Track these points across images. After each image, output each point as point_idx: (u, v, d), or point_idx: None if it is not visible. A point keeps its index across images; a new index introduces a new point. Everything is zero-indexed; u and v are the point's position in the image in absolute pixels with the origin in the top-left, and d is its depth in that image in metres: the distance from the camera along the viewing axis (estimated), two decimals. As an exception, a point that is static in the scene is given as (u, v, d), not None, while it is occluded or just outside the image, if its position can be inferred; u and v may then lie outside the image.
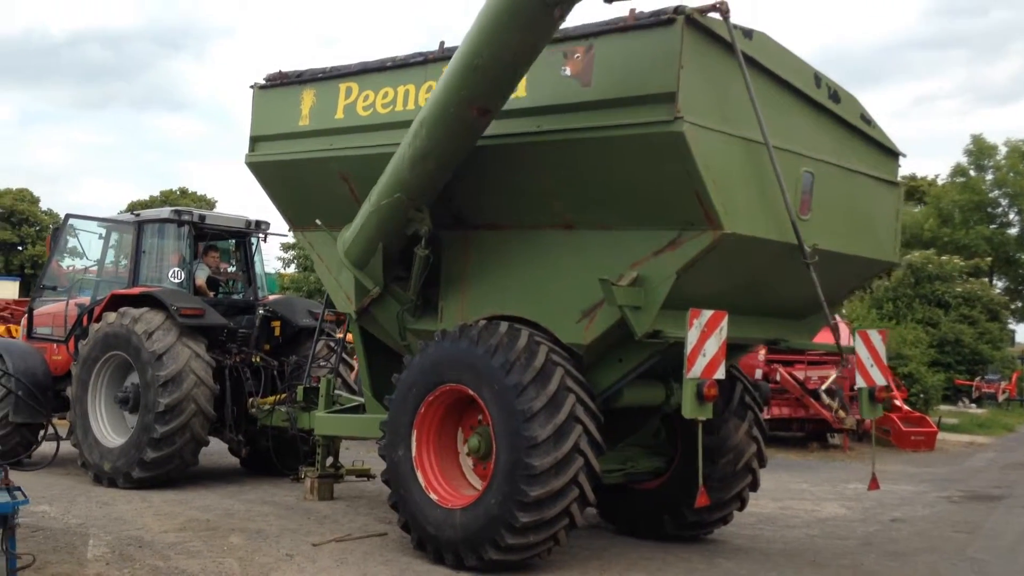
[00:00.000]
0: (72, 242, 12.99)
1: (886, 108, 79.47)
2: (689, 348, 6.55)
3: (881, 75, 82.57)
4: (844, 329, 18.60)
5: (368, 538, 8.24)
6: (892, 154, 8.28)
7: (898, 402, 19.55)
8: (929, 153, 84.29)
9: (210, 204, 58.68)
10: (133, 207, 49.15)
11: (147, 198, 58.22)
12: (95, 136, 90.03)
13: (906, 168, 77.65)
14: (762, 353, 17.89)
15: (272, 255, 62.74)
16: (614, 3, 6.20)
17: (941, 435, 19.97)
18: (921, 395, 21.96)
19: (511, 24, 6.30)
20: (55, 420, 12.14)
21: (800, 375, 17.95)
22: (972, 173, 42.59)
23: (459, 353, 7.39)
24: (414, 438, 7.67)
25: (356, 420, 9.43)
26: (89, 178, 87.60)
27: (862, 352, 7.90)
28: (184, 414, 10.20)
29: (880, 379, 7.98)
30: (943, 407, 25.75)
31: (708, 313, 6.63)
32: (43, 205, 61.04)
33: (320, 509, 9.61)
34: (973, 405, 30.76)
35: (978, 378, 31.56)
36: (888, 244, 8.32)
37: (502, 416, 7.06)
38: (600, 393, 7.57)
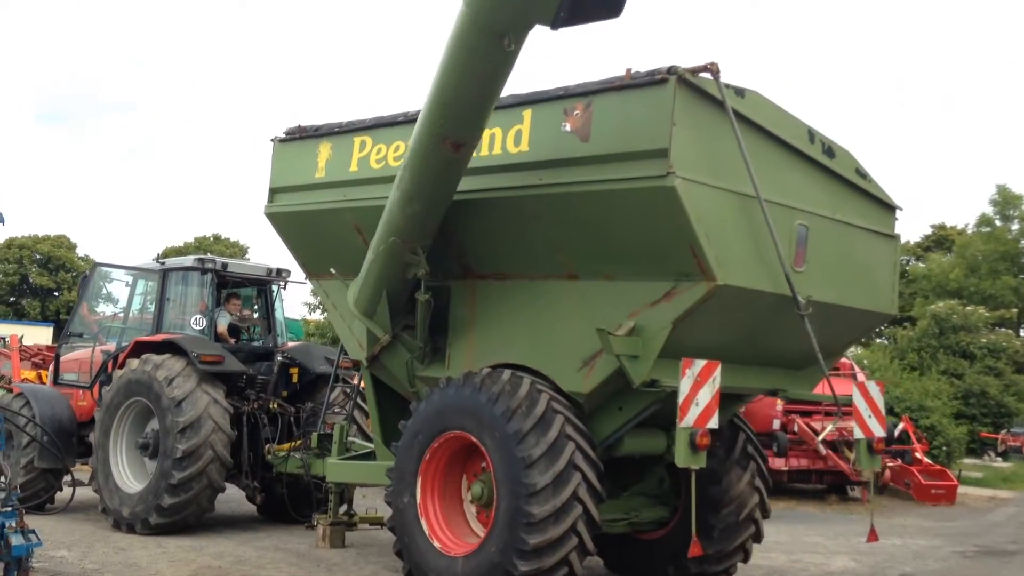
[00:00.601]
0: (100, 289, 13.39)
1: (915, 155, 79.26)
2: (682, 397, 6.71)
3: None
4: (862, 378, 18.65)
5: (374, 584, 8.38)
6: (889, 207, 8.45)
7: (919, 455, 19.41)
8: (962, 200, 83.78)
9: (242, 250, 59.66)
10: (168, 253, 50.11)
11: (181, 244, 59.28)
12: (136, 180, 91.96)
13: (936, 216, 77.16)
14: (779, 404, 17.90)
15: (298, 301, 63.37)
16: (560, 29, 6.26)
17: (963, 489, 19.76)
18: (944, 448, 21.76)
19: (468, 59, 6.60)
20: (79, 465, 12.48)
21: (818, 426, 17.91)
22: (998, 223, 42.40)
23: (462, 400, 7.58)
24: (419, 485, 7.84)
25: (366, 467, 9.61)
26: (128, 223, 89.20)
27: (860, 403, 7.99)
28: (201, 460, 10.42)
29: (879, 431, 8.05)
30: (967, 460, 25.46)
31: (701, 363, 6.79)
32: (80, 251, 62.26)
33: (331, 557, 9.76)
34: (999, 459, 30.35)
35: (1004, 431, 31.16)
36: (885, 296, 8.45)
37: (503, 463, 7.22)
38: (601, 442, 7.71)
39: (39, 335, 35.47)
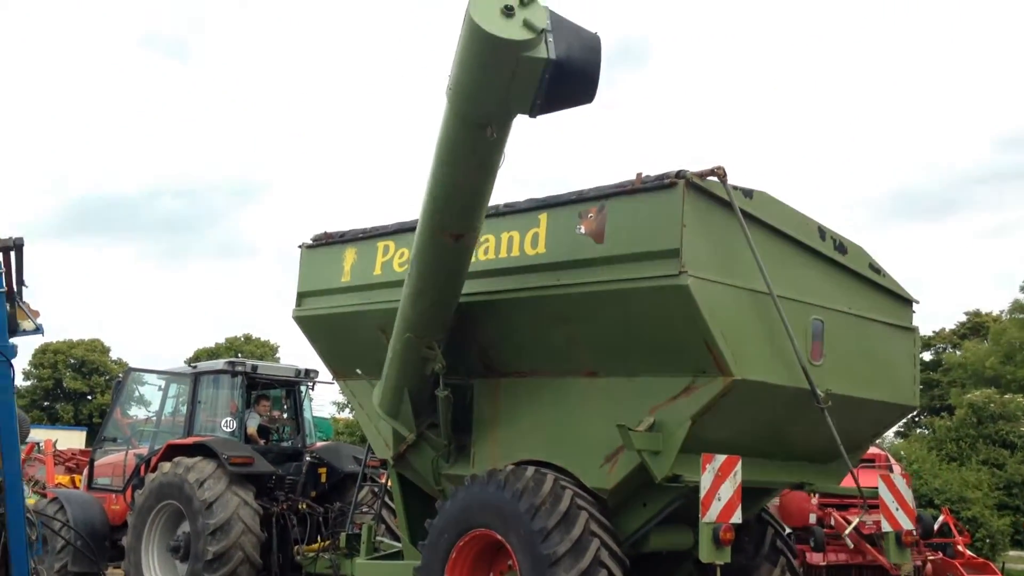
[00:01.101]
0: (133, 393, 13.68)
1: (958, 240, 79.26)
2: (703, 492, 6.77)
3: (952, 207, 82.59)
4: (896, 467, 18.39)
5: None
6: (905, 300, 8.58)
7: (961, 547, 18.95)
8: (996, 287, 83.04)
9: (272, 349, 60.23)
10: (199, 354, 50.73)
11: (212, 345, 60.02)
12: (167, 285, 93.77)
13: (971, 303, 76.40)
14: (815, 498, 17.68)
15: (327, 400, 63.59)
16: (538, 116, 6.45)
17: (1008, 581, 19.19)
18: (987, 540, 21.21)
19: (456, 151, 6.86)
20: (111, 568, 12.58)
21: (854, 519, 17.60)
22: (1032, 309, 42.01)
23: (487, 498, 7.67)
24: (446, 583, 7.87)
25: (394, 566, 9.62)
26: (159, 326, 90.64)
27: (886, 496, 7.98)
28: (232, 562, 10.50)
29: (906, 523, 8.02)
30: (1011, 552, 24.74)
31: (721, 458, 6.87)
32: (113, 355, 63.15)
33: (359, 657, 9.71)
34: (1046, 550, 29.39)
35: (1049, 522, 30.24)
36: (906, 388, 8.52)
37: (528, 561, 7.27)
38: (627, 538, 7.73)
39: (72, 439, 35.78)
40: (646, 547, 7.92)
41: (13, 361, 5.63)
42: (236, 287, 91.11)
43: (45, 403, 60.26)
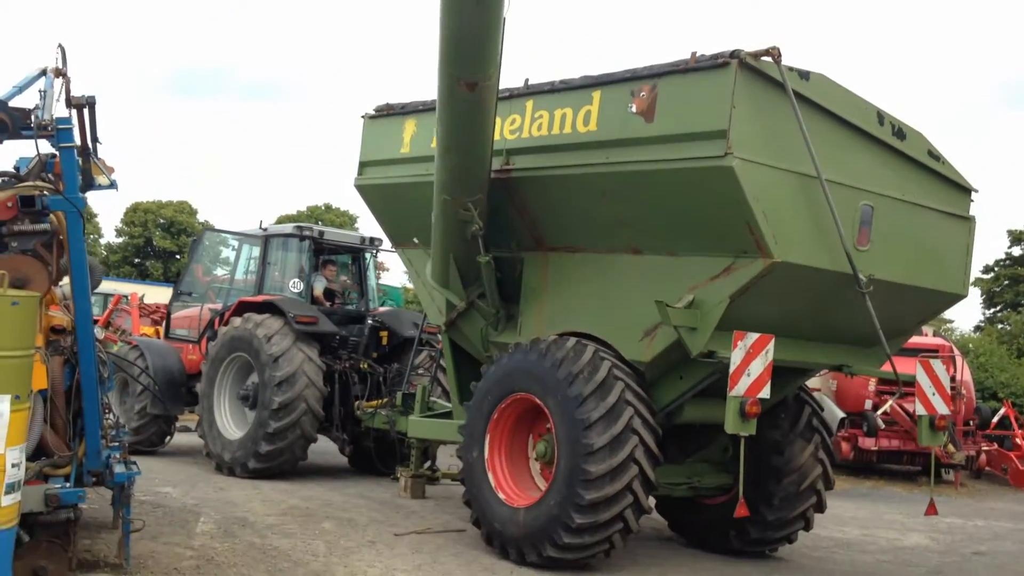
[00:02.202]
0: (210, 252, 14.32)
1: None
2: (733, 367, 6.99)
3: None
4: (959, 358, 18.30)
5: (446, 532, 8.95)
6: (964, 189, 8.45)
7: (1019, 440, 18.93)
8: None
9: (352, 219, 61.30)
10: (281, 220, 51.98)
11: (295, 212, 61.35)
12: (257, 151, 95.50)
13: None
14: (872, 383, 17.77)
15: (399, 270, 64.90)
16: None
17: (1066, 476, 19.15)
18: (1049, 435, 21.04)
19: None
20: (187, 413, 13.49)
21: (910, 407, 17.69)
22: None
23: (529, 365, 8.02)
24: (487, 442, 8.33)
25: (443, 424, 10.16)
26: (246, 191, 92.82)
27: (923, 381, 8.10)
28: (295, 412, 11.19)
29: (942, 408, 8.14)
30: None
31: (754, 336, 7.04)
32: (200, 217, 65.08)
33: (410, 505, 10.40)
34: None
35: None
36: (956, 277, 8.47)
37: (564, 424, 7.65)
38: (661, 408, 8.05)
39: (160, 295, 37.36)
40: (680, 418, 8.23)
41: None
42: (321, 156, 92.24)
43: (136, 260, 62.73)
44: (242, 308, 12.03)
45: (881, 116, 7.78)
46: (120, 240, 63.11)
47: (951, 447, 17.02)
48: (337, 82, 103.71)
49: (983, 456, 18.24)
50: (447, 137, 7.98)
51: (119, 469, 6.26)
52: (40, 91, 6.12)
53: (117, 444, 6.66)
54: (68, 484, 5.82)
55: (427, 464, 11.38)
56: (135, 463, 6.60)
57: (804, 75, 7.21)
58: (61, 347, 6.26)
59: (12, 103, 6.04)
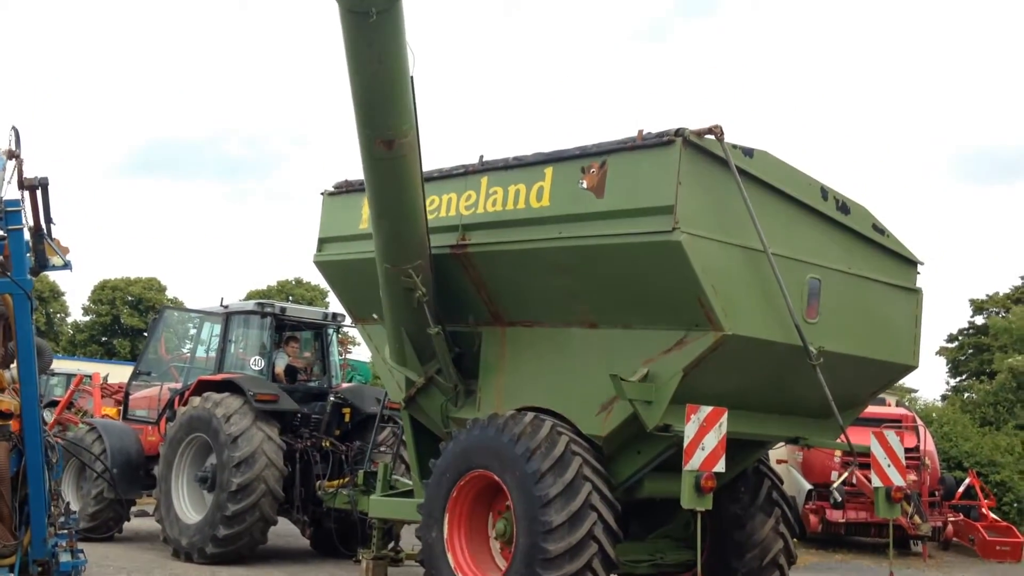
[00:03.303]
0: (169, 331, 14.23)
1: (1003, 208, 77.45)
2: (687, 441, 7.02)
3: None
4: (922, 428, 18.38)
5: (405, 615, 8.78)
6: (910, 262, 8.64)
7: (985, 510, 18.97)
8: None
9: (322, 292, 61.15)
10: (251, 296, 51.84)
11: (265, 287, 61.16)
12: (227, 228, 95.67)
13: None
14: (838, 455, 17.79)
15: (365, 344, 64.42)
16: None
17: (1032, 547, 19.16)
18: (1015, 504, 21.17)
19: (354, 49, 7.04)
20: (146, 496, 13.23)
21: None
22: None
23: (486, 440, 8.00)
24: (446, 521, 8.24)
25: (404, 503, 10.02)
26: (220, 267, 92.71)
27: (878, 452, 8.17)
28: (255, 494, 11.01)
29: (898, 479, 8.19)
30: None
31: (707, 409, 7.09)
32: (169, 293, 64.68)
33: (371, 589, 10.19)
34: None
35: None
36: (906, 348, 8.61)
37: (522, 501, 7.60)
38: (620, 483, 8.03)
39: (127, 374, 36.92)
40: (640, 493, 8.20)
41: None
42: (291, 231, 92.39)
43: (103, 338, 62.06)
44: (201, 387, 11.92)
45: (825, 191, 7.98)
46: (87, 318, 62.48)
47: (917, 518, 17.00)
48: (307, 155, 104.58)
49: (950, 527, 18.23)
50: (376, 202, 8.13)
51: (65, 558, 6.15)
52: (-10, 173, 6.15)
53: (65, 532, 6.52)
54: (12, 575, 5.68)
55: (391, 545, 11.18)
56: (82, 551, 6.47)
57: (748, 152, 7.41)
58: (8, 432, 6.18)
59: (-38, 186, 6.05)
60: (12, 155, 6.37)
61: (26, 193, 6.44)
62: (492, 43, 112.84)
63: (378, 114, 7.50)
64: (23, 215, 6.09)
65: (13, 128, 6.44)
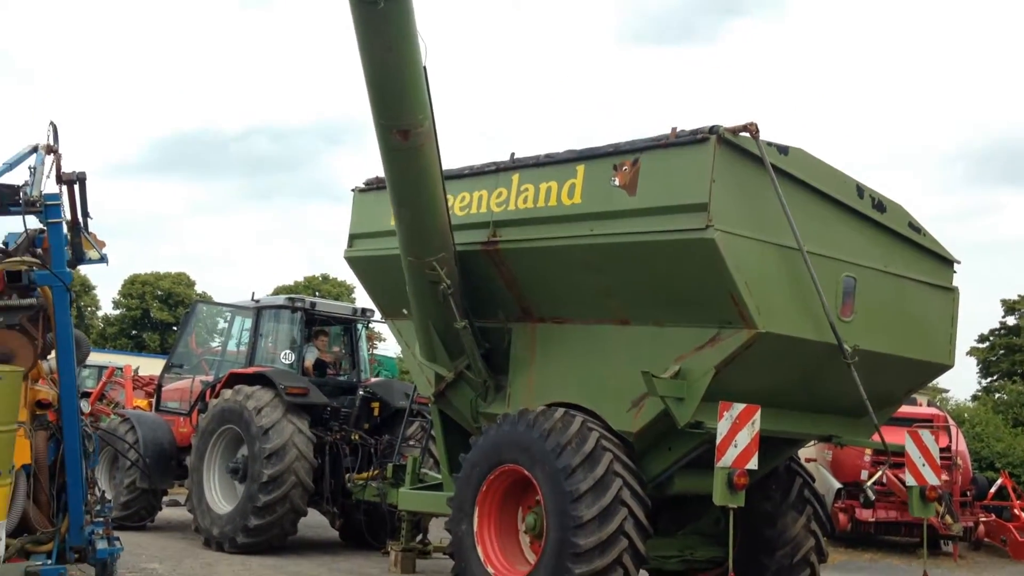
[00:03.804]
0: (202, 325, 14.37)
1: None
2: (720, 438, 6.99)
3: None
4: (954, 428, 18.19)
5: (435, 608, 8.82)
6: (946, 261, 8.56)
7: (1017, 511, 18.75)
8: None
9: (348, 289, 61.49)
10: (279, 291, 52.22)
11: (292, 283, 61.54)
12: (257, 224, 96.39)
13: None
14: (868, 453, 17.64)
15: (393, 340, 64.67)
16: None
17: (1064, 548, 18.91)
18: (1048, 505, 20.84)
19: (365, 38, 7.06)
20: (177, 486, 13.38)
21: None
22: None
23: (517, 436, 8.01)
24: (476, 514, 8.27)
25: (433, 497, 10.07)
26: (247, 263, 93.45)
27: (912, 451, 8.10)
28: (285, 485, 11.10)
29: (932, 479, 8.12)
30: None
31: (740, 406, 7.06)
32: (198, 288, 65.29)
33: (400, 581, 10.25)
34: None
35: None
36: (941, 347, 8.53)
37: (552, 496, 7.61)
38: (651, 480, 8.02)
39: (156, 367, 37.27)
40: (671, 489, 8.19)
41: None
42: (320, 227, 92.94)
43: (133, 332, 62.73)
44: (233, 380, 12.02)
45: (861, 189, 7.92)
46: (117, 312, 63.16)
47: (948, 518, 16.85)
48: (333, 151, 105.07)
49: (981, 527, 18.04)
50: (397, 194, 8.15)
51: (102, 545, 6.23)
52: (30, 168, 6.24)
53: (101, 519, 6.62)
54: (50, 561, 5.78)
55: (418, 537, 11.23)
56: (118, 539, 6.55)
57: (783, 150, 7.36)
58: (47, 421, 6.27)
59: (2, 179, 6.14)
60: (51, 150, 6.47)
61: (64, 187, 6.53)
62: (498, 38, 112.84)
63: (392, 104, 7.52)
64: (62, 209, 6.16)
65: (51, 123, 6.54)
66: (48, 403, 6.23)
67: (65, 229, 6.21)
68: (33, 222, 6.27)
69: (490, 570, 8.07)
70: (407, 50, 7.21)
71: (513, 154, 8.59)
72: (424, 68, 7.41)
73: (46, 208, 6.02)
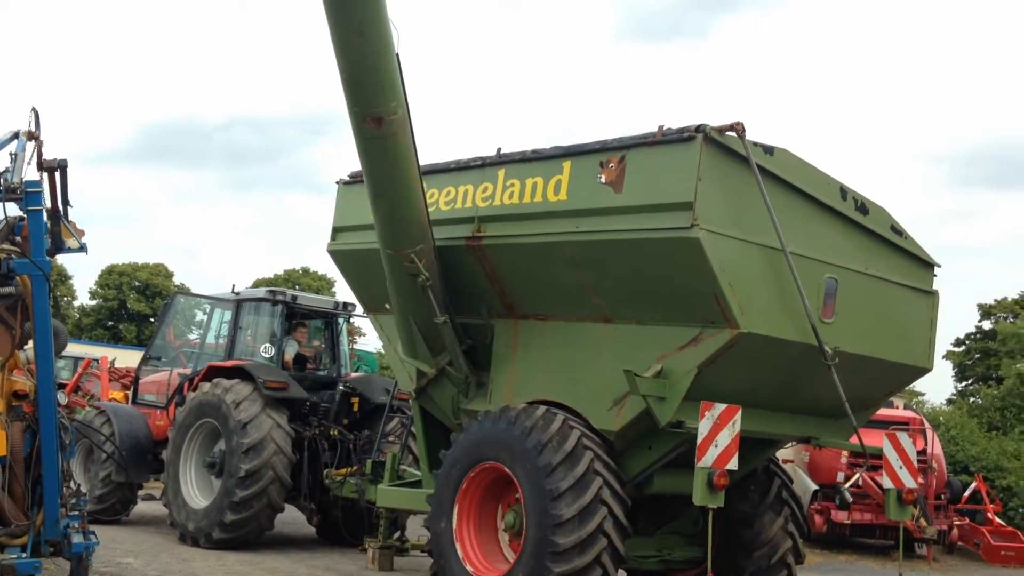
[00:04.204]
0: (180, 316, 14.25)
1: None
2: (700, 438, 7.00)
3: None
4: (930, 431, 18.32)
5: (412, 605, 8.79)
6: (927, 264, 8.61)
7: (990, 515, 18.93)
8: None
9: (329, 283, 61.20)
10: (258, 284, 51.92)
11: (271, 275, 61.21)
12: (237, 215, 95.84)
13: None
14: (844, 455, 17.75)
15: (374, 335, 64.48)
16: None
17: (1036, 552, 19.11)
18: (1021, 509, 21.09)
19: (335, 22, 7.11)
20: (153, 480, 13.25)
21: (882, 480, 17.63)
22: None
23: (498, 433, 7.99)
24: (456, 512, 8.24)
25: (411, 494, 10.03)
26: (226, 254, 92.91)
27: (890, 454, 8.14)
28: (262, 480, 11.02)
29: (910, 481, 8.17)
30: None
31: (721, 406, 7.07)
32: (176, 279, 64.73)
33: (377, 578, 10.21)
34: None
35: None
36: (921, 350, 8.59)
37: (532, 494, 7.59)
38: (631, 479, 8.01)
39: (132, 358, 36.95)
40: (650, 489, 8.19)
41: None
42: (300, 219, 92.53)
43: (109, 323, 62.16)
44: (212, 373, 11.92)
45: (844, 191, 7.95)
46: (94, 303, 62.58)
47: (923, 521, 16.96)
48: (316, 144, 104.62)
49: (955, 531, 18.20)
50: (373, 182, 8.16)
51: (77, 539, 6.15)
52: (11, 154, 6.15)
53: (77, 513, 6.53)
54: (24, 554, 5.71)
55: (396, 535, 11.19)
56: (94, 532, 6.48)
57: (768, 150, 7.37)
58: (23, 412, 6.19)
59: (-18, 166, 6.05)
60: (32, 136, 6.38)
61: (45, 175, 6.44)
62: (491, 33, 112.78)
63: (365, 90, 7.52)
64: (43, 197, 6.08)
65: (33, 109, 6.45)
66: (24, 394, 6.15)
67: (45, 217, 6.13)
68: (13, 209, 6.19)
69: (469, 568, 8.04)
70: (378, 35, 7.24)
71: (499, 149, 8.57)
72: (397, 55, 7.44)
73: (27, 195, 5.95)
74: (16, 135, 6.37)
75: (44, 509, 6.02)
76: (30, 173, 6.26)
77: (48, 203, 6.47)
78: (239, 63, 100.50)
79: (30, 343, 6.25)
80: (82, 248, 7.09)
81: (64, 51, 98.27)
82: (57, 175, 6.59)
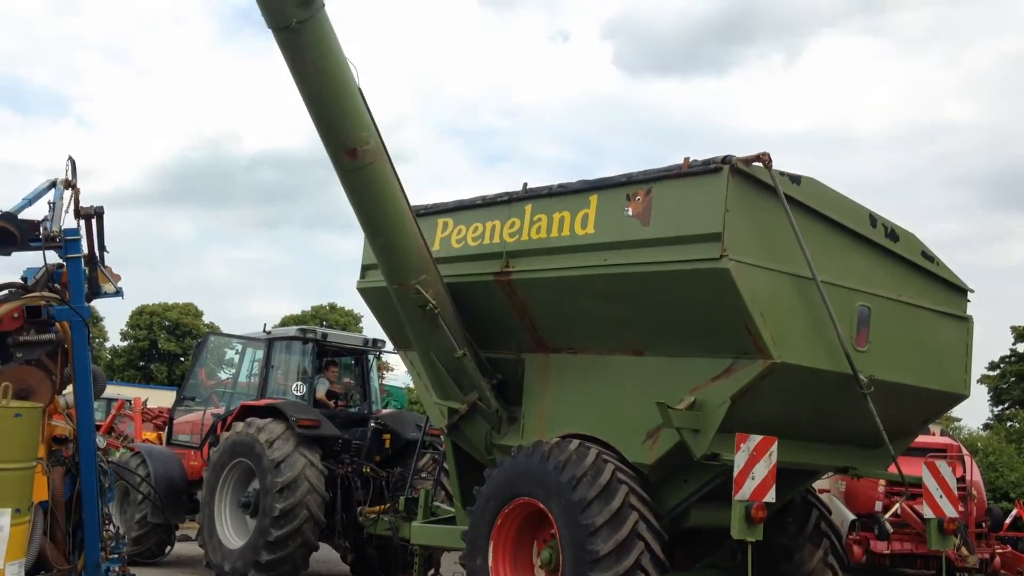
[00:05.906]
0: (213, 356, 14.38)
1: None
2: (737, 471, 6.94)
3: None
4: (968, 458, 18.04)
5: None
6: (960, 290, 8.54)
7: (1037, 542, 18.55)
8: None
9: (356, 318, 61.55)
10: (286, 321, 52.26)
11: (299, 312, 61.60)
12: (264, 254, 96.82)
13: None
14: (882, 484, 17.50)
15: (402, 370, 64.63)
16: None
17: (1085, 579, 18.67)
18: (1067, 536, 20.63)
19: (293, 63, 7.41)
20: (189, 521, 13.32)
21: (921, 509, 17.33)
22: None
23: (531, 468, 7.97)
24: (491, 548, 8.20)
25: (446, 530, 10.01)
26: (254, 293, 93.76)
27: (930, 483, 8.03)
28: (297, 519, 11.04)
29: (951, 510, 8.05)
30: (1094, 551, 23.96)
31: (757, 438, 7.01)
32: (206, 319, 65.31)
33: (412, 615, 10.16)
34: None
35: None
36: (957, 376, 8.49)
37: (568, 530, 7.55)
38: (667, 513, 7.95)
39: (164, 398, 37.23)
40: (687, 523, 8.12)
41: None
42: (327, 258, 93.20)
43: (140, 363, 62.74)
44: (245, 412, 12.00)
45: (873, 218, 7.92)
46: (125, 344, 63.24)
47: (964, 550, 16.63)
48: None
49: (997, 559, 17.83)
50: (363, 217, 8.35)
51: (117, 582, 6.19)
52: (49, 203, 6.28)
53: (116, 556, 6.59)
54: (65, 598, 5.74)
55: (431, 572, 11.17)
56: (134, 575, 6.51)
57: (795, 179, 7.37)
58: (63, 457, 6.26)
59: (22, 215, 6.18)
60: (69, 184, 6.52)
61: (82, 222, 6.57)
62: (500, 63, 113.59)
63: (333, 125, 7.76)
64: (80, 244, 6.20)
65: (70, 158, 6.60)
66: (64, 438, 6.23)
67: (83, 263, 6.24)
68: (51, 256, 6.30)
69: (505, 605, 7.99)
70: (335, 69, 7.55)
71: (526, 184, 8.62)
72: (359, 89, 7.73)
73: (66, 243, 6.07)
74: (54, 184, 6.51)
75: (85, 553, 6.08)
76: (68, 221, 6.39)
77: (85, 249, 6.59)
78: (266, 101, 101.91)
79: (68, 387, 6.34)
80: (118, 292, 7.21)
81: (96, 90, 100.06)
82: (94, 222, 6.72)
